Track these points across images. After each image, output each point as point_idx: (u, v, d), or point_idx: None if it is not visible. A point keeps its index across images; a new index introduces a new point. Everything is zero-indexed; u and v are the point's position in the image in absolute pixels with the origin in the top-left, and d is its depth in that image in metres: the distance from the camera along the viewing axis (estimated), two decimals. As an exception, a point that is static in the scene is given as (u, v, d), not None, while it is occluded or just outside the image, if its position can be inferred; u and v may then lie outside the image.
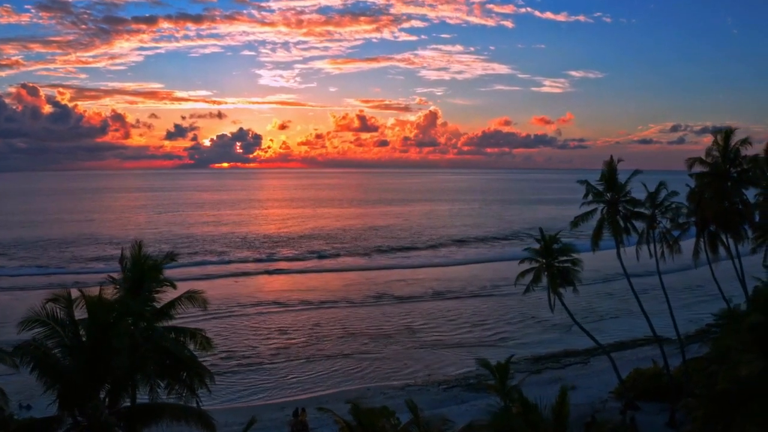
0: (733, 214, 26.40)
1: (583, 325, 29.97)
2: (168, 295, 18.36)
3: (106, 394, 14.73)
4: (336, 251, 79.03)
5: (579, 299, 50.09)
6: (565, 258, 26.09)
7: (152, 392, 17.25)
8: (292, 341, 39.51)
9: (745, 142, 26.89)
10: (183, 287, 18.78)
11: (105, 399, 14.67)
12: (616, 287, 51.31)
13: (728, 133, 26.65)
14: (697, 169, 26.92)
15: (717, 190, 26.12)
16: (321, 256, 74.64)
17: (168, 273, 18.81)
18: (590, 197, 25.64)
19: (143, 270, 17.96)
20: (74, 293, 14.85)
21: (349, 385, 32.16)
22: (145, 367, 14.94)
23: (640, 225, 26.32)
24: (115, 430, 14.53)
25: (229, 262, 70.91)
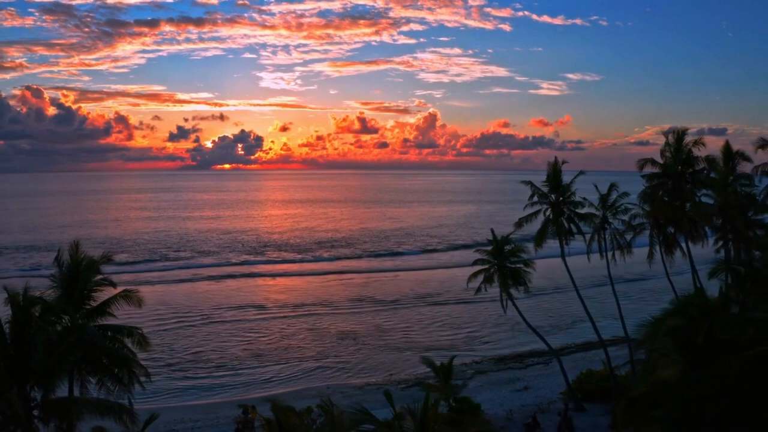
0: (685, 214, 26.45)
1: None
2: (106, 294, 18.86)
3: (29, 389, 15.10)
4: (323, 253, 79.39)
5: (560, 302, 50.23)
6: (516, 259, 26.27)
7: (82, 387, 17.77)
8: (262, 341, 39.85)
9: (698, 143, 26.99)
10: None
11: (29, 393, 15.07)
12: (603, 290, 51.29)
13: (680, 133, 26.75)
14: (649, 169, 26.99)
15: (668, 190, 26.20)
16: (304, 260, 74.89)
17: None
18: (535, 198, 25.80)
19: (79, 269, 18.42)
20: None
21: (311, 383, 32.50)
22: (64, 363, 15.26)
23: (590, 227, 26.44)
24: (34, 423, 14.94)
25: (211, 265, 71.27)
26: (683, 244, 28.06)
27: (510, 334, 39.90)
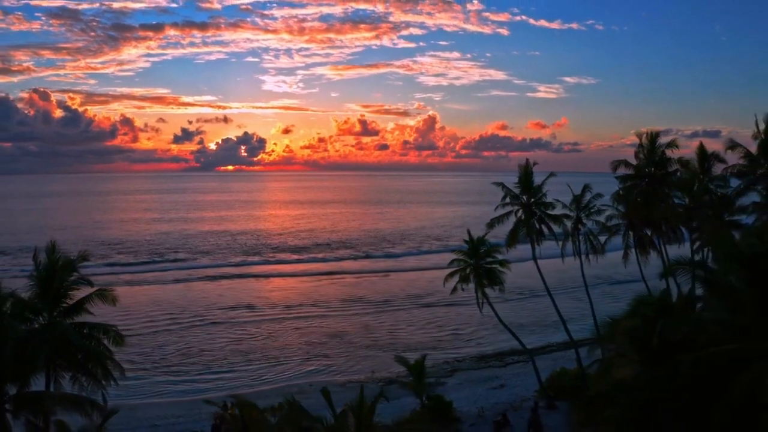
0: (659, 215, 26.80)
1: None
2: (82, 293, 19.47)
3: (3, 384, 15.70)
4: (318, 253, 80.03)
5: (547, 302, 50.58)
6: (491, 259, 26.71)
7: (56, 383, 18.37)
8: (251, 340, 40.46)
9: (672, 145, 27.33)
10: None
11: (3, 388, 15.68)
12: (593, 291, 51.44)
13: (654, 135, 27.10)
14: (622, 171, 27.35)
15: (641, 192, 26.56)
16: (300, 260, 75.47)
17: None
18: (508, 199, 26.23)
19: (55, 268, 19.04)
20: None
21: (296, 381, 33.07)
22: (37, 358, 15.86)
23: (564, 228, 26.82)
24: (6, 417, 15.56)
25: (207, 266, 72.02)
26: (660, 246, 28.40)
27: (493, 333, 40.31)
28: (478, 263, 26.61)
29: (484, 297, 26.71)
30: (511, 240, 26.18)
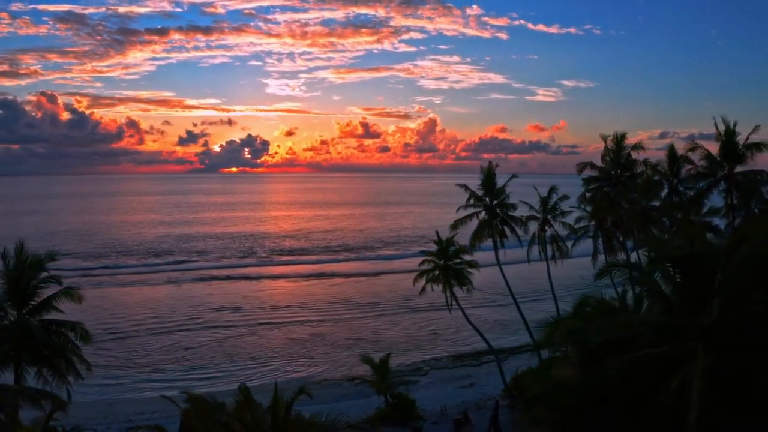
0: (625, 216, 27.15)
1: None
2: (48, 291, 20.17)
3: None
4: (312, 255, 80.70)
5: (531, 303, 50.73)
6: (459, 260, 27.20)
7: (20, 377, 19.05)
8: (235, 340, 41.09)
9: (637, 147, 27.67)
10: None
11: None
12: (576, 293, 51.66)
13: (620, 137, 27.43)
14: (588, 173, 27.72)
15: (606, 194, 26.93)
16: (290, 262, 76.04)
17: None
18: (472, 201, 26.69)
19: (23, 267, 19.75)
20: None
21: (277, 379, 33.64)
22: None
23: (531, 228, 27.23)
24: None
25: (200, 267, 72.72)
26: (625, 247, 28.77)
27: (474, 333, 40.70)
28: (446, 264, 27.09)
29: (453, 297, 27.18)
30: (473, 241, 26.63)
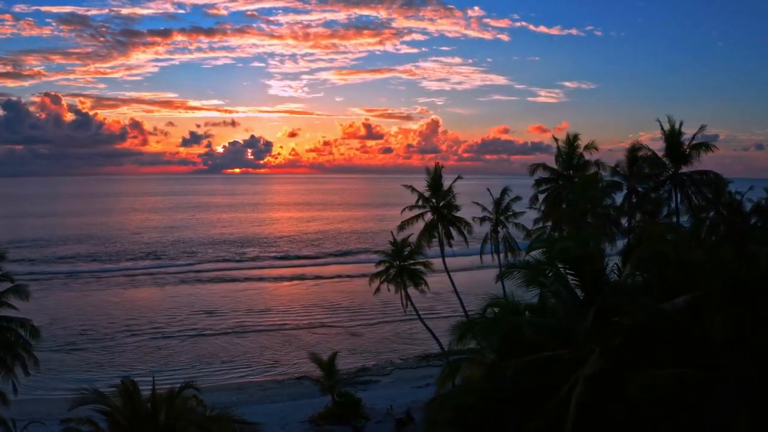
0: (578, 216, 27.37)
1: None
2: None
3: None
4: (305, 256, 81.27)
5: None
6: (413, 261, 27.58)
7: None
8: (210, 341, 41.60)
9: (590, 146, 27.91)
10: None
11: None
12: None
13: (572, 138, 27.69)
14: (540, 174, 27.98)
15: (558, 194, 27.20)
16: (273, 266, 76.34)
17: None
18: (420, 202, 27.05)
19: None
20: None
21: (241, 379, 34.18)
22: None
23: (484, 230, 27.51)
24: None
25: (189, 270, 73.18)
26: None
27: (445, 333, 40.99)
28: (401, 264, 27.50)
29: (407, 297, 27.55)
30: (420, 241, 27.00)
